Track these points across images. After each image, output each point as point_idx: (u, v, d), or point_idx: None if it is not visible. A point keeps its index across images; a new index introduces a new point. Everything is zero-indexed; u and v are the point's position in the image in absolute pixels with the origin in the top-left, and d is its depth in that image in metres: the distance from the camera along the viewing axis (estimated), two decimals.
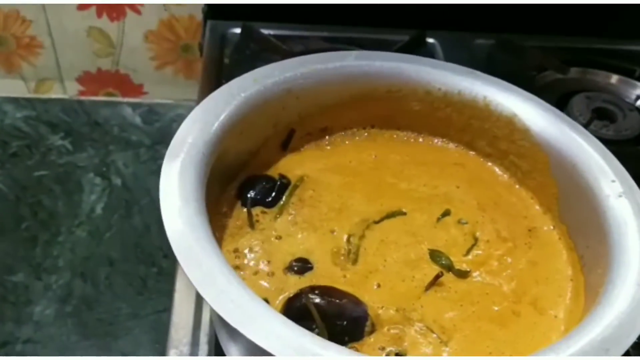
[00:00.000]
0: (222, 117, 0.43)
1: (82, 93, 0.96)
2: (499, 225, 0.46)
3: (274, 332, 0.31)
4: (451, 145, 0.51)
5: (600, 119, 0.72)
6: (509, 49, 0.79)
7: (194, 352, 0.48)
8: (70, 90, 0.96)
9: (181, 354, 0.48)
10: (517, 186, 0.49)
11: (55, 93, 0.96)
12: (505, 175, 0.49)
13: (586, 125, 0.70)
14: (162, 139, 0.88)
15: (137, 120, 0.93)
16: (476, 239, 0.44)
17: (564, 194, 0.45)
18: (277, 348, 0.30)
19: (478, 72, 0.49)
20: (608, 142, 0.69)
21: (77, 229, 0.79)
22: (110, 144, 0.90)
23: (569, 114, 0.72)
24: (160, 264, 0.71)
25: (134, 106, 0.95)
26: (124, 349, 0.68)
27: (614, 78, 0.78)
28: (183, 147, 0.40)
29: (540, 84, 0.78)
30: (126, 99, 0.96)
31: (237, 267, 0.41)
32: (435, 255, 0.43)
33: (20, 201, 0.82)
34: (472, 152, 0.51)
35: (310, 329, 0.35)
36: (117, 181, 0.84)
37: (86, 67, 0.94)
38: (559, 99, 0.75)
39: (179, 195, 0.37)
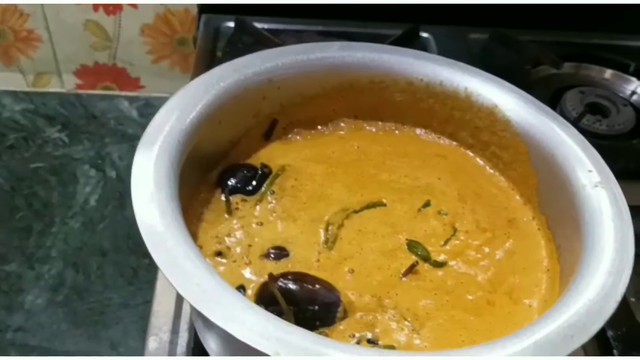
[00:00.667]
0: (199, 106, 0.43)
1: (79, 86, 0.97)
2: (479, 216, 0.46)
3: (239, 315, 0.31)
4: (434, 137, 0.51)
5: (593, 114, 0.71)
6: (503, 43, 0.79)
7: (173, 339, 0.48)
8: (68, 83, 0.97)
9: (161, 341, 0.48)
10: (498, 177, 0.48)
11: (53, 86, 0.97)
12: (487, 167, 0.49)
13: (578, 120, 0.69)
14: None
15: (134, 113, 0.94)
16: (455, 230, 0.44)
17: (543, 185, 0.45)
18: (239, 331, 0.30)
19: (460, 63, 0.49)
20: (601, 137, 0.70)
21: (70, 220, 0.80)
22: (106, 136, 0.90)
23: (562, 109, 0.72)
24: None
25: (131, 99, 0.95)
26: (113, 337, 0.69)
27: (608, 73, 0.78)
28: (159, 134, 0.40)
29: (535, 78, 0.78)
30: (123, 93, 0.96)
31: (218, 253, 0.42)
32: (412, 246, 0.43)
33: (16, 192, 0.83)
34: (454, 143, 0.51)
35: (281, 314, 0.36)
36: (112, 173, 0.85)
37: (83, 60, 0.94)
38: (553, 93, 0.74)
39: (153, 181, 0.37)
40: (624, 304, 0.49)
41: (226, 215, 0.44)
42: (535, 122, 0.45)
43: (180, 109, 0.42)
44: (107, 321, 0.70)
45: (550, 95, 0.74)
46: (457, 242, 0.43)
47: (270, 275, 0.37)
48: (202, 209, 0.44)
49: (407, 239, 0.43)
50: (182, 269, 0.33)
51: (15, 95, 0.94)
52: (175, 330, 0.49)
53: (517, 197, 0.47)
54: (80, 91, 0.96)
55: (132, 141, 0.89)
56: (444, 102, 0.49)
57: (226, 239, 0.43)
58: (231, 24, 0.79)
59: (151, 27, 0.91)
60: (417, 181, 0.48)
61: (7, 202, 0.81)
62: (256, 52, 0.48)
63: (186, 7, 0.88)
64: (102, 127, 0.92)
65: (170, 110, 0.42)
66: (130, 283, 0.65)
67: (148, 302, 0.51)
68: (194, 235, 0.42)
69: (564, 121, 0.45)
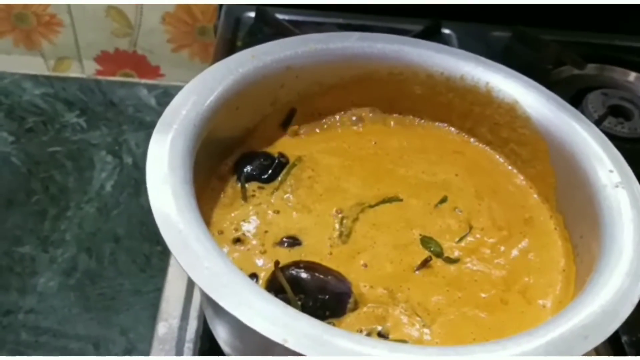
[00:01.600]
0: (217, 91, 0.42)
1: (99, 73, 0.97)
2: (495, 213, 0.45)
3: (247, 301, 0.31)
4: (452, 131, 0.51)
5: (615, 116, 0.70)
6: (526, 42, 0.78)
7: (183, 325, 0.48)
8: (88, 69, 0.97)
9: (170, 327, 0.48)
10: (516, 175, 0.48)
11: (74, 72, 0.97)
12: (505, 164, 0.48)
13: (600, 122, 0.68)
14: None
15: (152, 101, 0.94)
16: (471, 227, 0.44)
17: (562, 184, 0.44)
18: (247, 316, 0.30)
19: (481, 58, 0.48)
20: (622, 140, 0.68)
21: (86, 205, 0.80)
22: (124, 123, 0.90)
23: (584, 110, 0.71)
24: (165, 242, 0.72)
25: (150, 87, 0.96)
26: (124, 323, 0.69)
27: (632, 75, 0.76)
28: (175, 117, 0.40)
29: (556, 78, 0.76)
30: (143, 80, 0.97)
31: (237, 240, 0.41)
32: (425, 241, 0.42)
33: (33, 175, 0.83)
34: (472, 139, 0.50)
35: (290, 303, 0.36)
36: (128, 160, 0.85)
37: (104, 46, 0.95)
38: (574, 94, 0.73)
39: (167, 163, 0.37)
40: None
41: (242, 202, 0.44)
42: (556, 120, 0.44)
43: (198, 93, 0.42)
44: (118, 307, 0.70)
45: (571, 96, 0.73)
46: (472, 239, 0.43)
47: (276, 263, 0.36)
48: (218, 194, 0.44)
49: (421, 235, 0.42)
50: (193, 251, 0.32)
51: (35, 79, 0.95)
52: (185, 317, 0.49)
53: (535, 196, 0.46)
54: (100, 77, 0.97)
55: (149, 129, 0.89)
56: (463, 96, 0.48)
57: (242, 224, 0.42)
58: (252, 14, 0.79)
59: (172, 16, 0.91)
60: (434, 177, 0.47)
61: (24, 185, 0.82)
62: (276, 40, 0.47)
63: None
64: (120, 114, 0.92)
65: (187, 94, 0.42)
66: (143, 270, 0.65)
67: (159, 290, 0.51)
68: (209, 219, 0.42)
69: (586, 119, 0.44)
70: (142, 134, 0.86)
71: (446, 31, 0.80)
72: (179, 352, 0.47)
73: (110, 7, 0.90)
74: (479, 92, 0.47)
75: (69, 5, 0.91)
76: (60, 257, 0.74)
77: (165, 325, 0.48)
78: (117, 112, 0.92)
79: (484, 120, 0.48)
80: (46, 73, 0.97)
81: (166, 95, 0.93)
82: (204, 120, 0.41)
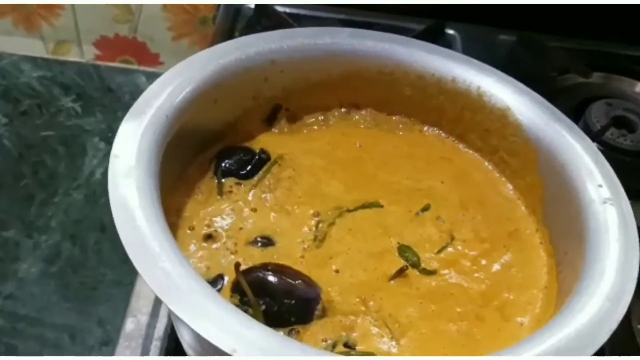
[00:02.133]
0: (194, 81, 0.41)
1: (98, 58, 0.96)
2: (479, 225, 0.43)
3: (200, 306, 0.29)
4: (442, 136, 0.49)
5: (619, 128, 0.68)
6: (531, 48, 0.76)
7: (152, 323, 0.47)
8: (88, 54, 0.96)
9: (138, 323, 0.47)
10: (505, 185, 0.46)
11: (73, 56, 0.96)
12: (494, 172, 0.46)
13: (602, 132, 0.66)
14: None
15: None
16: (452, 238, 0.42)
17: (550, 196, 0.42)
18: (198, 323, 0.28)
19: (474, 61, 0.46)
20: (624, 152, 0.66)
21: (74, 192, 0.78)
22: (119, 110, 0.89)
23: (586, 120, 0.69)
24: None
25: (149, 75, 0.94)
26: (102, 314, 0.68)
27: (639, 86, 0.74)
28: (147, 108, 0.39)
29: (561, 86, 0.74)
30: (141, 68, 0.95)
31: (208, 236, 0.40)
32: (403, 250, 0.40)
33: (23, 159, 0.82)
34: (462, 145, 0.48)
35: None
36: None
37: (104, 31, 0.93)
38: (578, 103, 0.71)
39: (135, 155, 0.36)
40: (627, 330, 0.46)
41: (218, 197, 0.42)
42: (548, 129, 0.42)
43: (173, 84, 0.40)
44: (98, 297, 0.69)
45: (575, 105, 0.71)
46: (453, 250, 0.41)
47: (237, 265, 0.35)
48: (192, 188, 0.42)
49: (399, 243, 0.40)
50: (148, 250, 0.31)
51: (34, 61, 0.94)
52: (154, 314, 0.47)
53: (522, 208, 0.44)
54: (99, 62, 0.95)
55: None
56: (454, 100, 0.46)
57: (215, 220, 0.41)
58: (252, 6, 0.77)
59: (174, 4, 0.89)
60: (419, 184, 0.45)
61: (13, 169, 0.80)
62: (262, 32, 0.46)
63: None
64: (116, 100, 0.91)
65: (162, 84, 0.40)
66: (125, 261, 0.62)
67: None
68: (180, 213, 0.41)
69: (579, 131, 0.42)
70: None
71: (450, 32, 0.78)
72: (146, 350, 0.45)
73: None
74: (471, 96, 0.46)
75: None
76: (43, 244, 0.73)
77: (134, 322, 0.47)
78: (113, 99, 0.91)
79: (474, 126, 0.47)
80: (45, 56, 0.96)
81: None
82: (178, 111, 0.40)
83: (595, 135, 0.65)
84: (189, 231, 0.40)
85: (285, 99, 0.47)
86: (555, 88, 0.73)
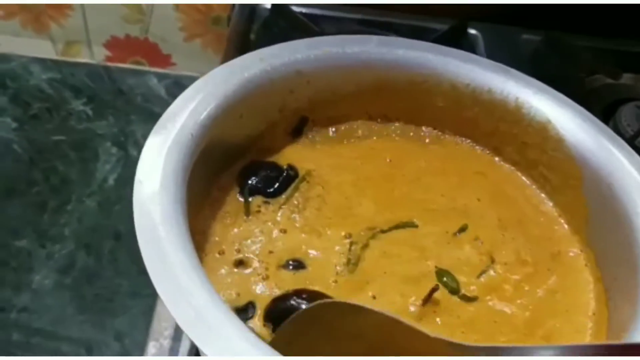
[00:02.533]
0: (219, 96, 0.39)
1: (109, 59, 0.94)
2: (520, 246, 0.41)
3: (231, 345, 0.27)
4: (476, 149, 0.46)
5: None
6: (557, 48, 0.73)
7: (174, 346, 0.45)
8: (98, 55, 0.94)
9: (161, 347, 0.45)
10: (544, 201, 0.43)
11: (83, 57, 0.94)
12: (532, 187, 0.44)
13: (633, 138, 0.63)
14: None
15: (162, 91, 0.90)
16: (492, 260, 0.39)
17: (595, 216, 0.40)
18: None
19: (512, 70, 0.44)
20: None
21: (87, 199, 0.77)
22: (131, 113, 0.87)
23: (616, 124, 0.66)
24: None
25: (160, 77, 0.92)
26: (120, 327, 0.66)
27: None
28: (171, 126, 0.36)
29: (589, 88, 0.71)
30: (153, 69, 0.93)
31: (239, 262, 0.38)
32: (441, 275, 0.38)
33: (34, 164, 0.80)
34: (497, 159, 0.46)
35: None
36: (134, 153, 0.82)
37: (114, 32, 0.91)
38: (607, 106, 0.68)
39: (159, 179, 0.34)
40: None
41: (245, 217, 0.40)
42: (594, 145, 0.40)
43: (198, 100, 0.38)
44: (114, 309, 0.67)
45: (603, 107, 0.68)
46: (494, 274, 0.39)
47: (290, 294, 0.33)
48: (219, 208, 0.40)
49: (436, 267, 0.38)
50: (177, 284, 0.29)
51: (43, 63, 0.92)
52: (177, 337, 0.45)
53: (565, 226, 0.42)
54: (110, 64, 0.93)
55: (157, 120, 0.85)
56: (490, 111, 0.44)
57: (245, 243, 0.39)
58: (268, 6, 0.75)
59: (186, 4, 0.87)
60: (454, 202, 0.43)
61: (25, 175, 0.79)
62: (287, 42, 0.43)
63: None
64: (128, 103, 0.89)
65: (186, 100, 0.38)
66: (142, 271, 0.61)
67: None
68: (208, 236, 0.39)
69: (628, 147, 0.40)
70: (150, 126, 0.81)
71: (472, 31, 0.75)
72: None
73: None
74: (508, 108, 0.43)
75: None
76: (57, 254, 0.71)
77: (156, 346, 0.45)
78: (125, 101, 0.89)
79: (511, 139, 0.44)
80: (54, 57, 0.94)
81: (176, 86, 0.89)
82: (203, 129, 0.37)
83: (627, 141, 0.62)
84: (218, 255, 0.38)
85: (312, 111, 0.45)
86: (583, 90, 0.70)
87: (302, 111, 0.45)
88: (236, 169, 0.43)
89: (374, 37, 0.44)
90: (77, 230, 0.74)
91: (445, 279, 0.37)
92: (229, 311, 0.29)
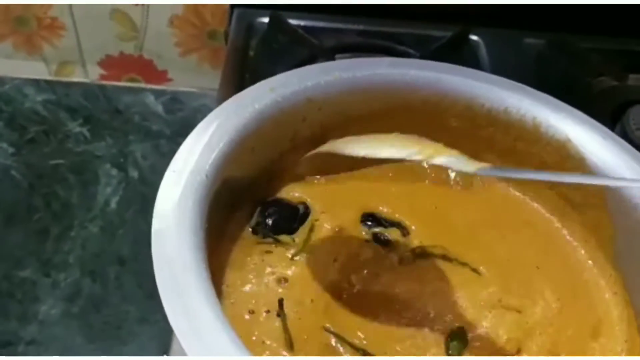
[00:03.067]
0: (231, 132, 0.38)
1: (103, 77, 0.92)
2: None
3: None
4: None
5: None
6: (562, 51, 0.72)
7: None
8: (93, 74, 0.92)
9: None
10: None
11: (77, 77, 0.92)
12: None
13: None
14: (183, 129, 0.83)
15: (159, 108, 0.89)
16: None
17: (621, 236, 0.39)
18: None
19: (528, 88, 0.43)
20: None
21: (89, 224, 0.75)
22: (130, 133, 0.85)
23: (624, 126, 0.65)
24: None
25: (157, 94, 0.90)
26: (130, 355, 0.65)
27: None
28: (184, 169, 0.35)
29: (595, 91, 0.71)
30: (149, 86, 0.91)
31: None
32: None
33: (34, 190, 0.79)
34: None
35: None
36: (134, 174, 0.80)
37: (109, 50, 0.90)
38: (615, 108, 0.67)
39: (175, 228, 0.32)
40: None
41: (263, 258, 0.39)
42: (617, 163, 0.39)
43: (209, 138, 0.37)
44: (123, 337, 0.66)
45: (611, 110, 0.67)
46: None
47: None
48: (231, 250, 0.39)
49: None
50: (204, 343, 0.28)
51: (37, 84, 0.90)
52: None
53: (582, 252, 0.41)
54: (105, 82, 0.92)
55: (156, 139, 0.84)
56: (506, 131, 0.43)
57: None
58: (265, 20, 0.74)
59: (180, 18, 0.85)
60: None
61: (25, 201, 0.77)
62: (296, 69, 0.42)
63: None
64: (126, 122, 0.87)
65: (198, 136, 0.37)
66: (150, 296, 0.60)
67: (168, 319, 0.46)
68: (225, 287, 0.37)
69: None
70: (149, 145, 0.81)
71: (474, 37, 0.74)
72: None
73: (114, 10, 0.85)
74: (525, 127, 0.42)
75: (70, 6, 0.85)
76: (62, 282, 0.70)
77: None
78: (122, 121, 0.87)
79: (529, 159, 0.43)
80: (48, 78, 0.92)
81: (174, 102, 0.88)
82: (216, 168, 0.36)
83: (636, 146, 0.62)
84: (247, 317, 0.36)
85: (324, 137, 0.44)
86: (591, 93, 0.69)
87: (313, 138, 0.44)
88: (246, 207, 0.42)
89: (386, 59, 0.44)
90: (81, 257, 0.73)
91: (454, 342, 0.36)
92: None
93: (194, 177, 0.35)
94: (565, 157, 0.41)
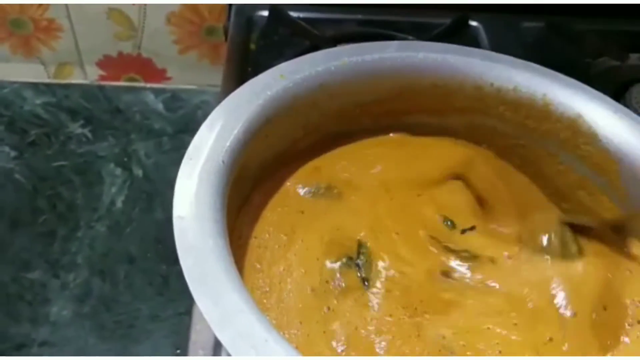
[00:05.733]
0: (244, 119, 0.38)
1: (102, 78, 0.92)
2: None
3: None
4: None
5: None
6: (561, 34, 0.73)
7: (217, 353, 0.43)
8: (91, 75, 0.92)
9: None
10: None
11: (76, 78, 0.92)
12: None
13: None
14: (185, 126, 0.83)
15: (160, 107, 0.89)
16: None
17: (636, 209, 0.39)
18: None
19: (536, 65, 0.43)
20: None
21: (96, 224, 0.75)
22: (131, 132, 0.85)
23: (627, 106, 0.65)
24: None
25: (157, 92, 0.90)
26: (144, 353, 0.65)
27: None
28: (200, 157, 0.35)
29: (595, 71, 0.71)
30: (149, 85, 0.91)
31: None
32: None
33: (38, 193, 0.79)
34: None
35: None
36: (139, 172, 0.80)
37: (107, 50, 0.89)
38: (616, 88, 0.68)
39: (197, 219, 0.32)
40: None
41: None
42: (629, 137, 0.39)
43: (223, 125, 0.37)
44: (136, 335, 0.66)
45: (613, 90, 0.68)
46: None
47: None
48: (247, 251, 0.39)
49: None
50: (236, 328, 0.28)
51: (36, 87, 0.90)
52: (218, 343, 0.44)
53: None
54: (104, 83, 0.92)
55: (158, 137, 0.84)
56: (516, 109, 0.43)
57: None
58: (265, 13, 0.74)
59: (178, 15, 0.85)
60: None
61: (30, 204, 0.77)
62: (305, 55, 0.42)
63: None
64: (127, 121, 0.87)
65: (211, 125, 0.37)
66: (160, 293, 0.61)
67: (180, 315, 0.46)
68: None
69: None
70: (151, 143, 0.81)
71: (473, 23, 0.75)
72: None
73: (111, 9, 0.85)
74: (535, 105, 0.42)
75: (67, 7, 0.85)
76: (72, 283, 0.70)
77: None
78: (123, 120, 0.87)
79: (540, 136, 0.43)
80: (47, 80, 0.92)
81: (174, 100, 0.88)
82: (233, 154, 0.36)
83: None
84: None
85: (334, 123, 0.44)
86: (590, 74, 0.70)
87: (325, 125, 0.44)
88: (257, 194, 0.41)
89: (394, 43, 0.44)
90: (89, 257, 0.73)
91: None
92: (290, 348, 0.28)
93: (211, 164, 0.35)
94: (577, 133, 0.41)
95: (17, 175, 0.80)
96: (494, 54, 0.44)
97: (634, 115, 0.40)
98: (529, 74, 0.42)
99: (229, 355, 0.27)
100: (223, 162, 0.35)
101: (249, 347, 0.27)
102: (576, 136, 0.41)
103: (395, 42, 0.44)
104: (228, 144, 0.36)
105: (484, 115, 0.44)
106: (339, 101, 0.43)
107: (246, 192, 0.40)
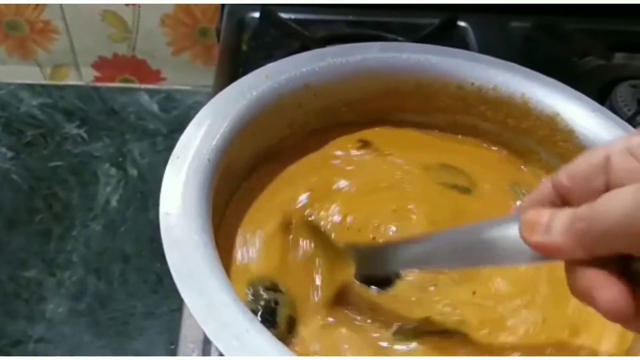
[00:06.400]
0: (230, 118, 0.39)
1: (97, 79, 0.93)
2: None
3: None
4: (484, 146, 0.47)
5: None
6: (547, 33, 0.74)
7: (206, 349, 0.44)
8: (86, 76, 0.93)
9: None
10: None
11: (71, 79, 0.93)
12: None
13: (632, 118, 0.64)
14: (179, 127, 0.84)
15: (154, 107, 0.90)
16: None
17: None
18: None
19: (516, 66, 0.44)
20: None
21: (91, 223, 0.77)
22: (126, 132, 0.87)
23: (613, 104, 0.67)
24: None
25: (151, 93, 0.92)
26: (139, 350, 0.66)
27: None
28: (187, 155, 0.36)
29: (581, 70, 0.72)
30: (143, 85, 0.92)
31: None
32: None
33: (35, 192, 0.80)
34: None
35: None
36: (133, 172, 0.81)
37: (102, 52, 0.91)
38: (602, 87, 0.69)
39: (182, 215, 0.33)
40: None
41: None
42: (604, 134, 0.40)
43: (210, 124, 0.38)
44: (131, 332, 0.67)
45: (598, 89, 0.69)
46: None
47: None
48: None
49: None
50: (221, 320, 0.29)
51: (32, 88, 0.91)
52: (208, 339, 0.45)
53: None
54: (99, 84, 0.93)
55: (153, 137, 0.85)
56: (497, 108, 0.44)
57: None
58: (256, 15, 0.75)
59: (171, 17, 0.86)
60: None
61: (26, 204, 0.78)
62: (291, 56, 0.43)
63: None
64: (122, 122, 0.88)
65: (198, 125, 0.38)
66: (155, 291, 0.62)
67: (174, 312, 0.47)
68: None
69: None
70: (146, 143, 0.82)
71: (462, 24, 0.76)
72: None
73: (106, 11, 0.86)
74: (514, 103, 0.44)
75: (61, 7, 0.86)
76: (68, 281, 0.71)
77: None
78: (118, 121, 0.88)
79: (520, 134, 0.45)
80: (43, 82, 0.93)
81: (169, 100, 0.89)
82: (218, 153, 0.37)
83: (627, 121, 0.63)
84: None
85: (319, 122, 0.45)
86: (576, 73, 0.71)
87: (310, 123, 0.45)
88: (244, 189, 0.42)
89: (377, 44, 0.45)
90: (85, 256, 0.74)
91: None
92: (273, 339, 0.29)
93: (198, 162, 0.36)
94: (555, 130, 0.42)
95: (13, 176, 0.81)
96: (475, 54, 0.45)
97: (611, 114, 0.41)
98: (508, 73, 0.44)
99: (217, 349, 0.28)
100: (209, 160, 0.36)
101: (231, 337, 0.28)
102: (554, 133, 0.43)
103: (379, 43, 0.45)
104: (214, 142, 0.37)
105: (466, 115, 0.46)
106: (324, 101, 0.44)
107: (233, 189, 0.41)
